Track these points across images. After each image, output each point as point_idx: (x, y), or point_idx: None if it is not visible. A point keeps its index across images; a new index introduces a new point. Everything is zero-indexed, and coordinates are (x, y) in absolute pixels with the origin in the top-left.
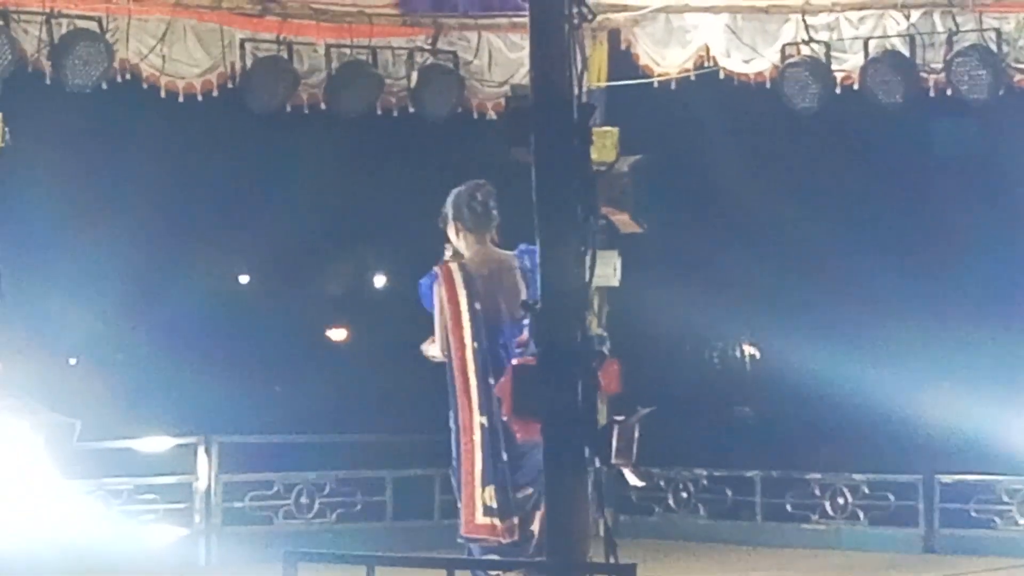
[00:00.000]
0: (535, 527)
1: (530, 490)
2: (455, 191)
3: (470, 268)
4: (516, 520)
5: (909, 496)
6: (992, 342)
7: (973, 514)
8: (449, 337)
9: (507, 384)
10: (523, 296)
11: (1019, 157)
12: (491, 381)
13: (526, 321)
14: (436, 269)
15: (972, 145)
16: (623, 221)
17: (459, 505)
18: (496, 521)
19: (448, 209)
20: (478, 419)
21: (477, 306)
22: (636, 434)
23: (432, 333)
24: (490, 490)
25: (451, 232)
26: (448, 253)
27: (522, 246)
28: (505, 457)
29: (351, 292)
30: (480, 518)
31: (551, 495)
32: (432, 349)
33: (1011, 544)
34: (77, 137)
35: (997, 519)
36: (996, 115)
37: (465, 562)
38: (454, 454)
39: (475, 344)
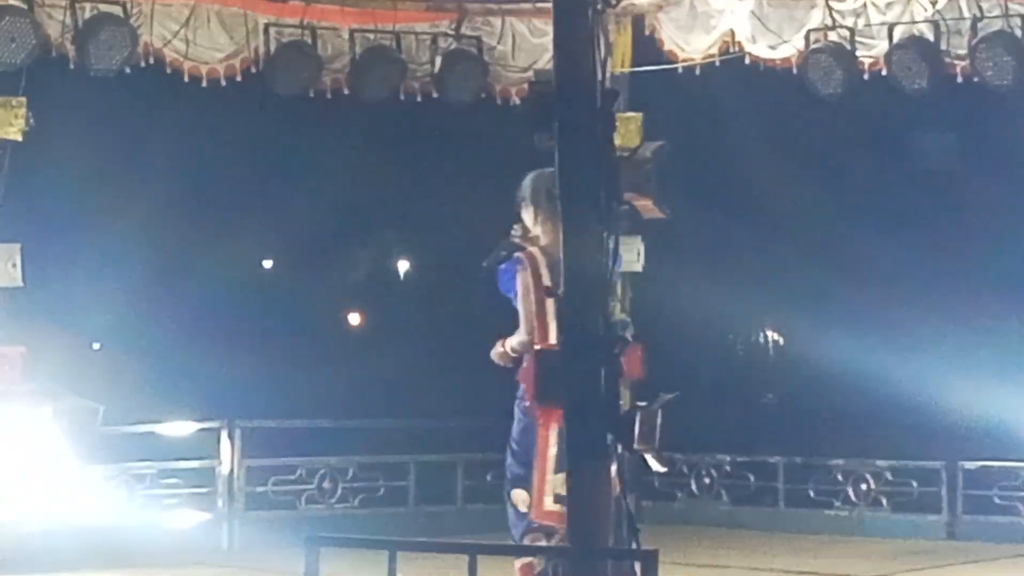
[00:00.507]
0: None
1: None
2: (535, 174)
3: (552, 254)
4: None
5: (932, 483)
6: (1016, 329)
7: (997, 501)
8: (534, 322)
9: (530, 370)
10: None
11: None
12: None
13: None
14: (520, 255)
15: (1000, 132)
16: (646, 207)
17: (530, 490)
18: (565, 508)
19: (526, 193)
20: None
21: (560, 292)
22: (659, 420)
23: (506, 332)
24: (561, 477)
25: (527, 216)
26: (516, 232)
27: None
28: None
29: (374, 277)
30: (549, 505)
31: (574, 481)
32: (513, 340)
33: None
34: (101, 122)
35: (1021, 506)
36: (1022, 101)
37: (488, 548)
38: (515, 436)
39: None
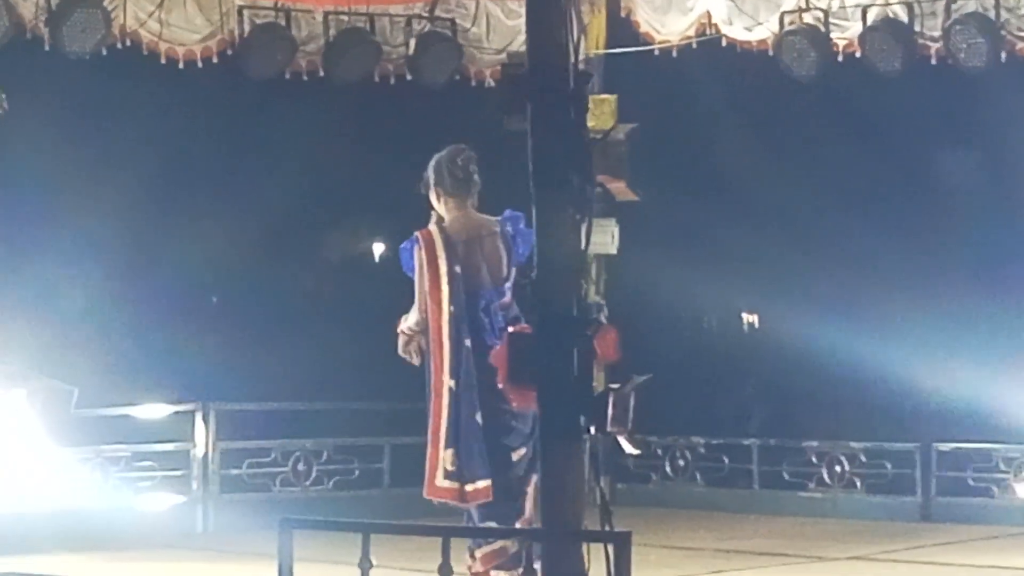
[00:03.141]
0: (530, 488)
1: (523, 450)
2: (436, 156)
3: (450, 232)
4: (488, 482)
5: (906, 464)
6: (990, 311)
7: (970, 482)
8: (427, 300)
9: (503, 352)
10: (504, 261)
11: (1018, 126)
12: (467, 343)
13: (508, 284)
14: (416, 233)
15: (972, 114)
16: (619, 189)
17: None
18: (456, 484)
19: (430, 174)
20: (447, 382)
21: (457, 269)
22: (632, 402)
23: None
24: (450, 453)
25: (432, 197)
26: (434, 218)
27: (507, 212)
28: (480, 419)
29: (350, 259)
30: (440, 481)
31: (546, 463)
32: (410, 319)
33: (1008, 512)
34: (77, 104)
35: (994, 487)
36: (996, 83)
37: (461, 530)
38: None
39: (451, 308)
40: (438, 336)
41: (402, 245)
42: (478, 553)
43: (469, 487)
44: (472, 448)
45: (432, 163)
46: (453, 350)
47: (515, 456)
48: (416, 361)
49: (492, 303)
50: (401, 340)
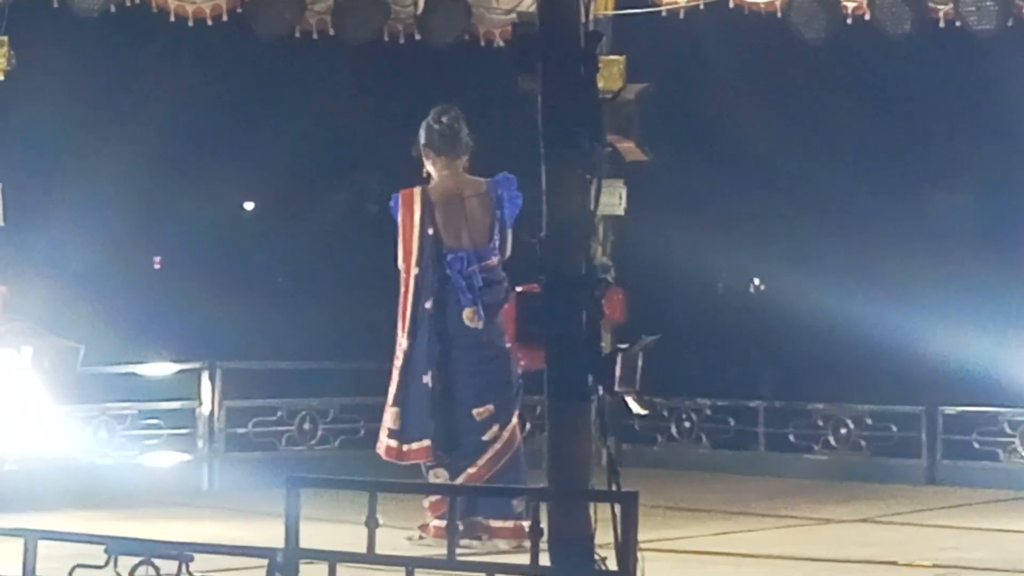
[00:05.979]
0: (498, 444)
1: (489, 407)
2: (426, 119)
3: (431, 193)
4: (427, 443)
5: (912, 427)
6: (999, 275)
7: (976, 446)
8: (400, 259)
9: (511, 311)
10: (487, 223)
11: None
12: (427, 306)
13: (493, 245)
14: (400, 192)
15: (980, 78)
16: (628, 149)
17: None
18: (394, 443)
19: (420, 136)
20: (401, 342)
21: (429, 231)
22: (640, 363)
23: None
24: (395, 412)
25: (423, 158)
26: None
27: (500, 175)
28: (428, 381)
29: (357, 217)
30: (383, 439)
31: (554, 423)
32: None
33: (1014, 476)
34: (84, 62)
35: (1000, 451)
36: (1004, 46)
37: (468, 489)
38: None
39: (416, 270)
40: (404, 296)
41: (391, 203)
42: (425, 503)
43: (406, 447)
44: (415, 409)
45: (424, 123)
46: (412, 311)
47: (477, 414)
48: None
49: (471, 264)
50: None
